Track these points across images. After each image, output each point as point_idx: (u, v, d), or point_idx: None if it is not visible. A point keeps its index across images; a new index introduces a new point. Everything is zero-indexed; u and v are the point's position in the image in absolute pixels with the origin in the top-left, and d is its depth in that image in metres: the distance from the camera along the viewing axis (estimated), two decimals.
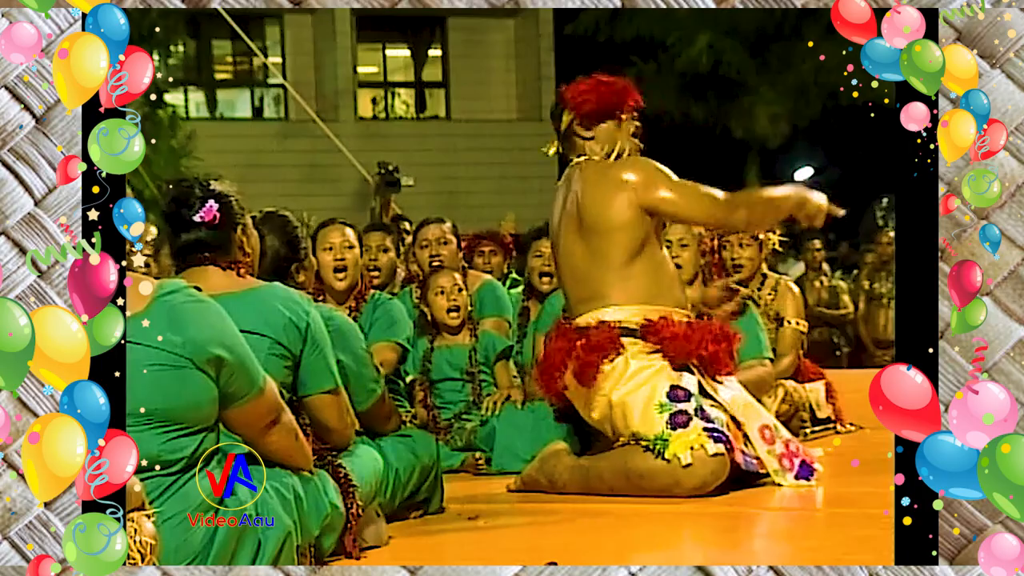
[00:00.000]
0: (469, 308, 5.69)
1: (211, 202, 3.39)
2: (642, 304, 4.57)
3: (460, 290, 5.62)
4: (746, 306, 5.80)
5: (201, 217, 3.39)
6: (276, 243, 3.83)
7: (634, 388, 4.44)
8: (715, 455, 4.29)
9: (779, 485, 4.40)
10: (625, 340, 4.51)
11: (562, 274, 4.74)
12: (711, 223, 4.76)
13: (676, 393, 4.40)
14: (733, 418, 4.45)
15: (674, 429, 4.32)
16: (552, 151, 4.78)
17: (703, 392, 4.46)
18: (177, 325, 2.96)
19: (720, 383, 4.55)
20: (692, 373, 4.49)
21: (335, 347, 3.64)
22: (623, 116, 4.68)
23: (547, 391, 4.67)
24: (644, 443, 4.35)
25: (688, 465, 4.27)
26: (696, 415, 4.36)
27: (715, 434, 4.32)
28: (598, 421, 4.52)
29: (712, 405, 4.43)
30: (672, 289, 4.64)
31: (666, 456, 4.30)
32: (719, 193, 4.54)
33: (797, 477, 4.43)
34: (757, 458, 4.41)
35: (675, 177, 4.56)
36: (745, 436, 4.43)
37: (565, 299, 4.77)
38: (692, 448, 4.28)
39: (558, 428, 4.83)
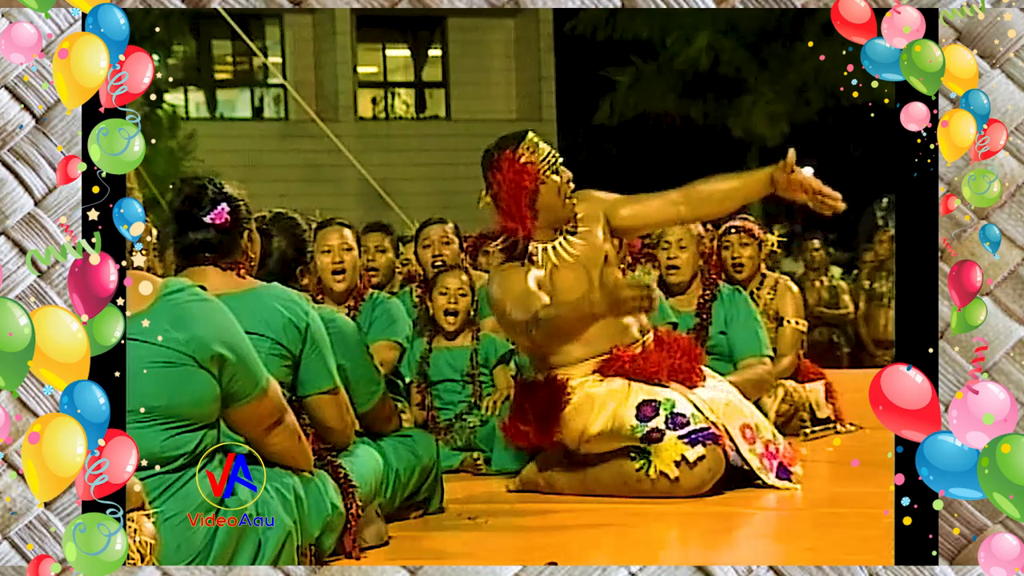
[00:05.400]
0: (472, 312, 5.67)
1: (223, 204, 3.39)
2: (592, 357, 4.51)
3: (464, 295, 5.61)
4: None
5: (212, 219, 3.39)
6: (283, 244, 3.82)
7: (604, 422, 4.38)
8: (697, 460, 4.28)
9: (763, 482, 4.39)
10: (574, 382, 4.47)
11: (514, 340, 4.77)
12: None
13: (644, 412, 4.36)
14: (713, 421, 4.43)
15: (651, 444, 4.32)
16: (483, 205, 4.73)
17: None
18: (181, 323, 2.96)
19: (695, 388, 4.53)
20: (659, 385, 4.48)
21: (336, 349, 3.64)
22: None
23: (524, 449, 4.65)
24: (632, 455, 4.35)
25: (677, 479, 4.27)
26: (668, 427, 4.33)
27: (692, 437, 4.30)
28: (577, 454, 4.51)
29: (685, 404, 4.39)
30: (612, 331, 4.52)
31: (651, 475, 4.30)
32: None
33: (778, 477, 4.43)
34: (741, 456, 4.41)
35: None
36: (728, 434, 4.43)
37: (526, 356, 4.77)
38: (675, 462, 4.28)
39: None
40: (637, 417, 4.36)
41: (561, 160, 4.59)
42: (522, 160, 4.52)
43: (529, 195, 4.51)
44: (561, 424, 4.44)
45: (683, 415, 4.35)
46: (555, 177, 4.54)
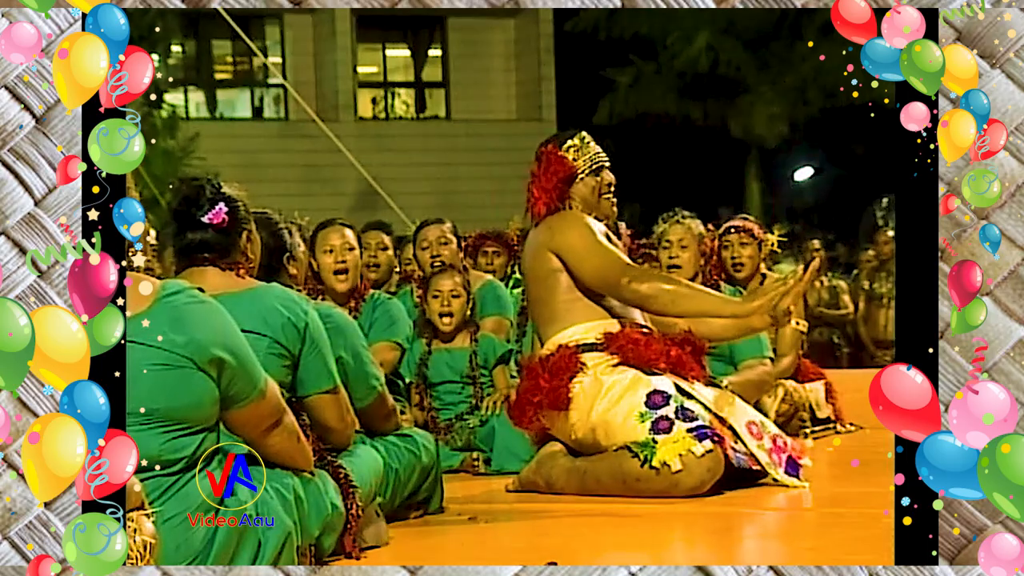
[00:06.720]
0: (468, 313, 5.66)
1: (221, 204, 3.40)
2: (600, 320, 4.58)
3: (456, 296, 5.60)
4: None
5: (210, 219, 3.39)
6: (263, 235, 3.83)
7: (610, 404, 4.42)
8: (704, 454, 4.28)
9: (774, 480, 4.40)
10: (586, 356, 4.52)
11: (529, 300, 4.79)
12: (602, 287, 4.60)
13: (654, 399, 4.39)
14: (719, 417, 4.45)
15: (658, 434, 4.32)
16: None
17: (682, 391, 4.46)
18: (180, 325, 2.96)
19: (698, 382, 4.55)
20: (665, 376, 4.49)
21: (335, 344, 3.64)
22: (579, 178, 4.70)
23: (525, 430, 4.67)
24: (634, 450, 4.35)
25: (679, 471, 4.27)
26: (678, 417, 4.34)
27: (700, 432, 4.31)
28: (580, 441, 4.51)
29: (694, 402, 4.42)
30: (631, 310, 4.64)
31: (654, 464, 4.30)
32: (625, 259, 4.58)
33: (786, 473, 4.43)
34: (748, 454, 4.41)
35: (597, 237, 4.57)
36: (734, 432, 4.43)
37: (535, 329, 4.79)
38: (680, 454, 4.28)
39: None
40: (647, 404, 4.38)
41: (607, 163, 4.75)
42: (561, 152, 4.69)
43: (558, 181, 4.66)
44: (568, 402, 4.46)
45: (691, 410, 4.37)
46: (592, 178, 4.69)
